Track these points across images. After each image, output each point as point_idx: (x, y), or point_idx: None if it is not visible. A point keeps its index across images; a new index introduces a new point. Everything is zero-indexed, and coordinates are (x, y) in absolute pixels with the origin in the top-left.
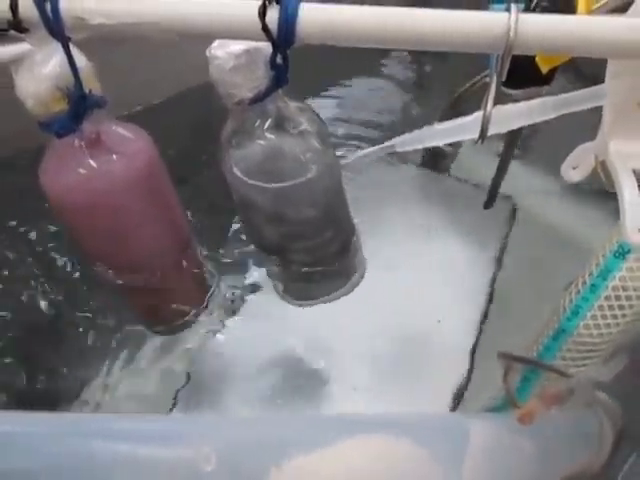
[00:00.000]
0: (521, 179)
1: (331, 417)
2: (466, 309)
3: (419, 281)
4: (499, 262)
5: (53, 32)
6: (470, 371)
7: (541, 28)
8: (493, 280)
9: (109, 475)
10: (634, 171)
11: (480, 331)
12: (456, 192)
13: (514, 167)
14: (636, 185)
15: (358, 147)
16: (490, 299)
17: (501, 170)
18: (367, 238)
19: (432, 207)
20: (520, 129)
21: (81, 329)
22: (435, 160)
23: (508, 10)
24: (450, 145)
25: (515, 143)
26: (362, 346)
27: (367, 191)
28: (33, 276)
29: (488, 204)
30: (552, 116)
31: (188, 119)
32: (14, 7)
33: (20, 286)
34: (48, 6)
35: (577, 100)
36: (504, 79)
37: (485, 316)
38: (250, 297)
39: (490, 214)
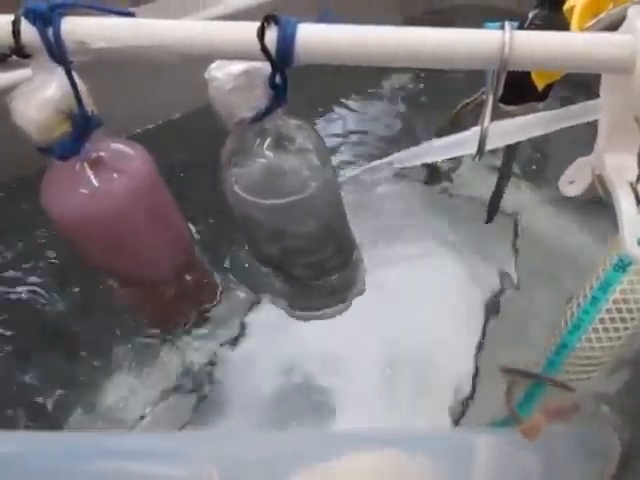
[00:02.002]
0: (524, 194)
1: (335, 433)
2: (469, 324)
3: (422, 298)
4: (503, 278)
5: (55, 57)
6: (473, 386)
7: (534, 45)
8: (497, 295)
9: None
10: (630, 184)
11: (481, 347)
12: (460, 209)
13: (517, 182)
14: (633, 197)
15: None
16: (494, 313)
17: (500, 186)
18: (372, 255)
19: (436, 224)
20: (517, 146)
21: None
22: (437, 177)
23: (503, 28)
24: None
25: (513, 159)
26: (366, 363)
27: (372, 209)
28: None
29: (489, 219)
30: (548, 131)
31: (190, 140)
32: (16, 33)
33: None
34: (50, 31)
35: (572, 115)
36: (500, 95)
37: (485, 332)
38: (252, 314)
39: (494, 230)
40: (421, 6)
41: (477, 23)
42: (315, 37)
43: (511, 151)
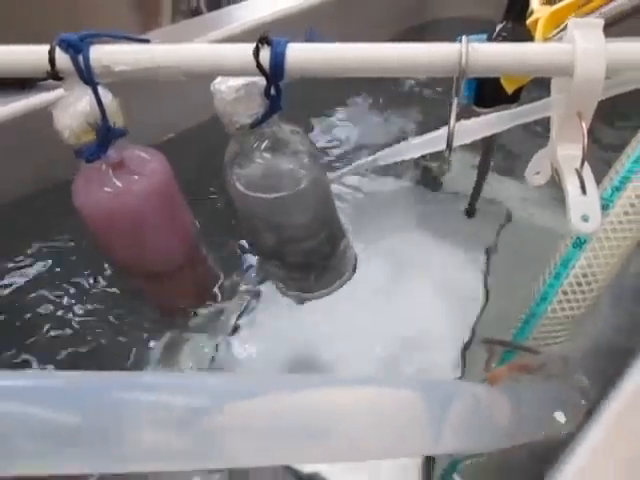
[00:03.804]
0: (510, 189)
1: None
2: (460, 310)
3: (415, 286)
4: (489, 267)
5: (84, 79)
6: (463, 360)
7: (488, 55)
8: (485, 283)
9: (138, 419)
10: (576, 170)
11: (474, 331)
12: (449, 204)
13: (503, 177)
14: (578, 182)
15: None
16: (484, 300)
17: (480, 180)
18: (367, 248)
19: (427, 218)
20: (494, 144)
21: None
22: (428, 177)
23: (460, 41)
24: (437, 161)
25: (490, 155)
26: (363, 348)
27: (366, 206)
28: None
29: (470, 212)
30: (508, 127)
31: (199, 148)
32: (52, 61)
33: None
34: (80, 57)
35: (529, 112)
36: (476, 100)
37: (480, 314)
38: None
39: (481, 223)
40: (408, 21)
41: (460, 34)
42: (302, 55)
43: (488, 149)
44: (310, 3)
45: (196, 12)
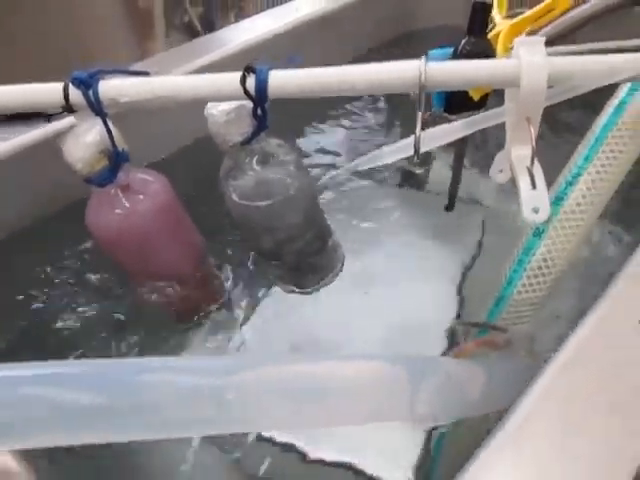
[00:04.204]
0: (489, 184)
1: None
2: (444, 303)
3: (399, 282)
4: (472, 262)
5: (95, 111)
6: (450, 342)
7: (444, 71)
8: (467, 269)
9: (156, 398)
10: (527, 168)
11: (458, 315)
12: (432, 203)
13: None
14: (529, 179)
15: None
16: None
17: (455, 179)
18: (356, 244)
19: (411, 218)
20: (465, 145)
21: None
22: (411, 179)
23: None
24: (420, 165)
25: (462, 156)
26: (358, 334)
27: (354, 210)
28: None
29: (449, 207)
30: (470, 132)
31: (192, 165)
32: (67, 97)
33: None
34: (90, 92)
35: (486, 119)
36: (446, 107)
37: (461, 306)
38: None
39: (463, 219)
40: (387, 33)
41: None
42: (282, 80)
43: (460, 151)
44: (295, 24)
45: (189, 26)
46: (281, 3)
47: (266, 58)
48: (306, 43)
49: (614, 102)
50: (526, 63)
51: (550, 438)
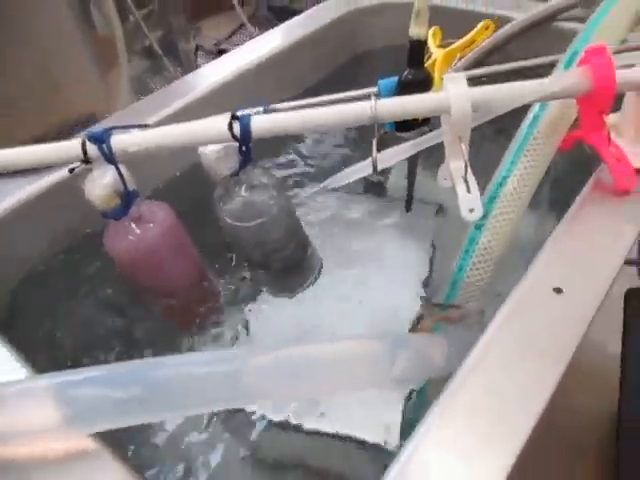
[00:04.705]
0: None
1: None
2: (412, 291)
3: (373, 278)
4: (432, 254)
5: (109, 161)
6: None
7: (388, 106)
8: (431, 261)
9: (172, 387)
10: (463, 177)
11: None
12: (391, 205)
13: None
14: (465, 186)
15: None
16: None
17: (410, 184)
18: (332, 250)
19: (376, 221)
20: (416, 157)
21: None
22: (373, 187)
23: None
24: (380, 174)
25: (415, 165)
26: (341, 325)
27: (326, 218)
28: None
29: (407, 209)
30: (416, 151)
31: (186, 193)
32: (84, 150)
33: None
34: (104, 146)
35: (429, 139)
36: (397, 126)
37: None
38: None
39: (421, 219)
40: (343, 55)
41: (396, 62)
42: (260, 124)
43: (413, 162)
44: (260, 60)
45: (149, 51)
46: (235, 26)
47: (233, 97)
48: (265, 80)
49: (530, 115)
50: (453, 95)
51: (487, 379)
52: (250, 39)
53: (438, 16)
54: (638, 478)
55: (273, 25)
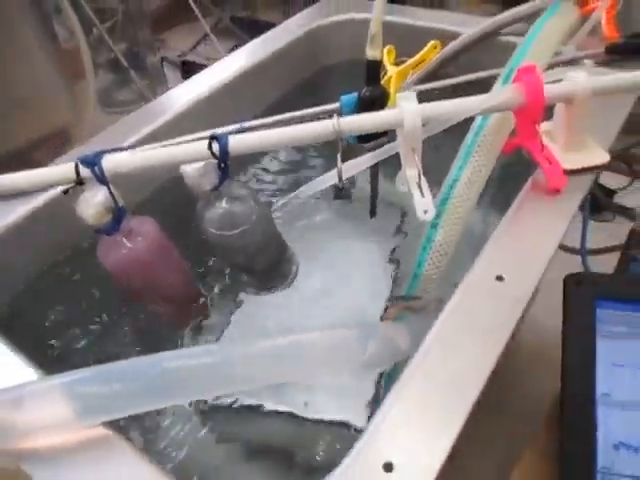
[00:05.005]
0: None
1: None
2: (380, 286)
3: (345, 275)
4: (396, 252)
5: (101, 182)
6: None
7: (349, 123)
8: (395, 273)
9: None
10: (417, 183)
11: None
12: (358, 209)
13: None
14: (419, 191)
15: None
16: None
17: (373, 190)
18: (305, 251)
19: (345, 224)
20: (378, 165)
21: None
22: (341, 193)
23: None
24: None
25: (377, 173)
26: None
27: (301, 223)
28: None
29: (372, 213)
30: (376, 161)
31: (167, 207)
32: (77, 173)
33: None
34: (96, 169)
35: (386, 151)
36: (358, 139)
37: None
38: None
39: (385, 220)
40: (306, 70)
41: (357, 74)
42: (237, 143)
43: (375, 170)
44: (230, 79)
45: (115, 63)
46: (198, 37)
47: (206, 115)
48: (236, 97)
49: (474, 126)
50: (405, 112)
51: (439, 359)
52: (214, 50)
53: (393, 31)
54: (580, 452)
55: (236, 35)
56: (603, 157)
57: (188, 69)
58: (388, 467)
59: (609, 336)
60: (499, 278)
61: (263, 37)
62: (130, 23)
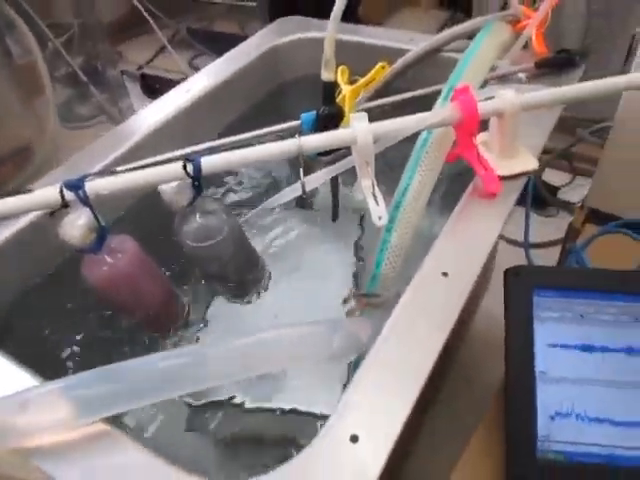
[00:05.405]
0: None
1: None
2: (344, 286)
3: (312, 277)
4: (358, 253)
5: (84, 204)
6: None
7: (311, 142)
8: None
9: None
10: (372, 192)
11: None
12: (320, 216)
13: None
14: (374, 201)
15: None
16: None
17: (334, 198)
18: (280, 260)
19: (309, 230)
20: (337, 177)
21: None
22: (304, 202)
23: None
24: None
25: (337, 182)
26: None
27: (270, 233)
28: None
29: (334, 218)
30: (335, 174)
31: (143, 222)
32: (62, 196)
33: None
34: (80, 192)
35: (344, 164)
36: (302, 164)
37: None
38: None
39: (347, 225)
40: (267, 85)
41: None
42: (208, 163)
43: (335, 182)
44: (194, 100)
45: (74, 78)
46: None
47: (173, 136)
48: (200, 117)
49: (421, 138)
50: (358, 130)
51: (393, 348)
52: (172, 62)
53: (346, 49)
54: (523, 423)
55: (194, 47)
56: (533, 163)
57: (147, 82)
58: (354, 439)
59: (545, 320)
60: (444, 274)
61: (225, 57)
62: (87, 37)
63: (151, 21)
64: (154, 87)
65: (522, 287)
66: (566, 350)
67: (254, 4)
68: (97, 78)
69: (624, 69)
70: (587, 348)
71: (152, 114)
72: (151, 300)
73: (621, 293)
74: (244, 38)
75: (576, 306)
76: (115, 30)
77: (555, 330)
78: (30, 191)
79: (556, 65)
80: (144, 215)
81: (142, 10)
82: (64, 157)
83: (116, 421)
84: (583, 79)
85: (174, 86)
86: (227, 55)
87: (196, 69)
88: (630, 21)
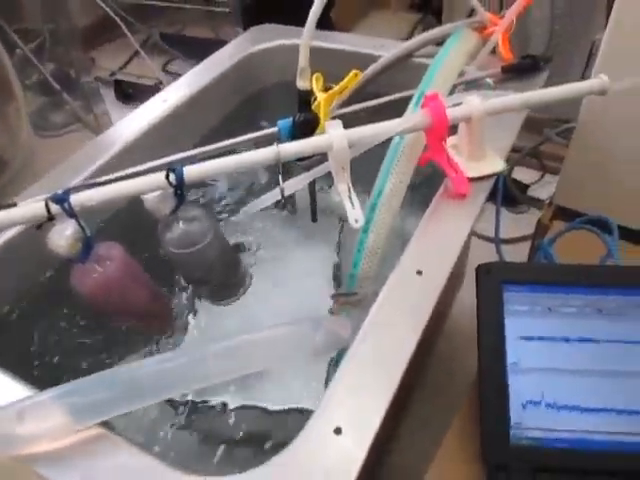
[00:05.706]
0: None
1: None
2: (324, 285)
3: (294, 277)
4: (338, 253)
5: (70, 216)
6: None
7: (289, 149)
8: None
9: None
10: (348, 196)
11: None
12: (300, 217)
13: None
14: (350, 204)
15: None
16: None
17: (312, 201)
18: (261, 262)
19: (289, 231)
20: (314, 181)
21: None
22: (284, 204)
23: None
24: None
25: (314, 187)
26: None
27: (255, 233)
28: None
29: (313, 219)
30: (313, 178)
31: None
32: (48, 209)
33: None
34: (66, 205)
35: (322, 169)
36: (280, 171)
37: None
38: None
39: (326, 226)
40: (244, 91)
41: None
42: (191, 172)
43: (312, 186)
44: (170, 109)
45: (46, 85)
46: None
47: (152, 145)
48: (178, 126)
49: (394, 143)
50: (333, 136)
51: (371, 344)
52: (145, 67)
53: (320, 55)
54: (496, 412)
55: (167, 52)
56: (500, 165)
57: (121, 88)
58: (338, 431)
59: (515, 314)
60: (419, 272)
61: (200, 66)
62: (58, 43)
63: (123, 27)
64: (128, 93)
65: (493, 283)
66: (536, 342)
67: (227, 10)
68: (70, 85)
69: (585, 73)
70: (555, 339)
71: (130, 125)
72: (141, 305)
73: (585, 287)
74: (218, 42)
75: (544, 300)
76: (86, 36)
77: (525, 323)
78: (14, 205)
79: (521, 70)
80: (129, 220)
81: (113, 16)
82: (39, 166)
83: (107, 424)
84: (547, 82)
85: (148, 91)
86: (202, 64)
87: (170, 74)
88: (592, 24)
